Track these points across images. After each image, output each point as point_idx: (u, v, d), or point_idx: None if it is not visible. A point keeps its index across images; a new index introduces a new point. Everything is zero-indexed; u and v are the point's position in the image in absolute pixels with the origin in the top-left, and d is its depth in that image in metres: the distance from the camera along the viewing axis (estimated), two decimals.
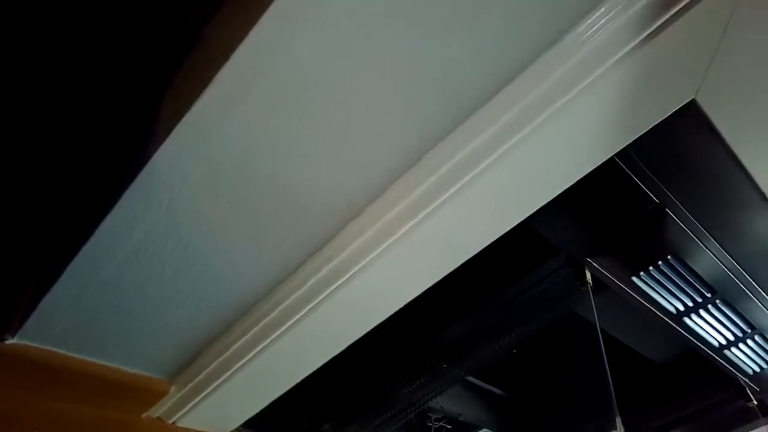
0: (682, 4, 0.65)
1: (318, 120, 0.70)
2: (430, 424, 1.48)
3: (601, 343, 1.08)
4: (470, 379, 1.45)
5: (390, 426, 1.35)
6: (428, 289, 0.91)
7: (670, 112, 0.75)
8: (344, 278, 0.85)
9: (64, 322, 0.81)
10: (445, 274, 0.89)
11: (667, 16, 0.66)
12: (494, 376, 1.52)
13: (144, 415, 1.02)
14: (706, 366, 1.40)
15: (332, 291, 0.86)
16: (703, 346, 1.32)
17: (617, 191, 0.96)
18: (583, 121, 0.73)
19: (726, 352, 1.36)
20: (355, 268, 0.84)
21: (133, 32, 0.78)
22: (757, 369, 1.44)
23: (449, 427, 1.52)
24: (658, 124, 0.77)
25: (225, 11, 0.74)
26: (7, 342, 0.80)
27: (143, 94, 0.79)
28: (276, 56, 0.62)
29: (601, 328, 1.14)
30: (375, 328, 0.96)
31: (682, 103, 0.75)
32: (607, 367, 1.04)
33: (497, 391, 1.55)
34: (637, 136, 0.77)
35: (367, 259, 0.83)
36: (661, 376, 1.58)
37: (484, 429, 1.65)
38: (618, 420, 0.99)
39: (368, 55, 0.65)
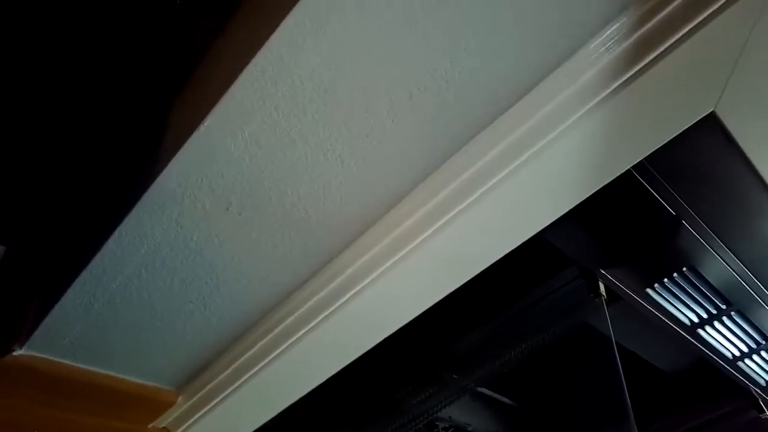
0: (702, 17, 0.64)
1: (328, 131, 0.69)
2: None
3: (617, 355, 1.06)
4: (480, 388, 1.43)
5: None
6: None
7: (689, 125, 0.74)
8: (354, 290, 0.84)
9: (73, 334, 0.81)
10: (455, 287, 0.88)
11: (685, 30, 0.64)
12: (505, 386, 1.50)
13: (150, 425, 1.01)
14: (719, 377, 1.38)
15: (343, 303, 0.85)
16: (716, 358, 1.30)
17: (632, 202, 0.94)
18: (598, 136, 0.72)
19: (739, 363, 1.34)
20: (366, 281, 0.83)
21: (141, 50, 0.78)
22: None
23: None
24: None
25: (232, 26, 0.74)
26: (14, 353, 0.80)
27: (153, 111, 0.79)
28: (286, 67, 0.61)
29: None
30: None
31: (702, 115, 0.73)
32: (623, 380, 1.02)
33: (507, 401, 1.53)
34: (654, 149, 0.76)
35: (379, 271, 0.82)
36: (673, 386, 1.56)
37: None
38: None
39: (378, 64, 0.64)
